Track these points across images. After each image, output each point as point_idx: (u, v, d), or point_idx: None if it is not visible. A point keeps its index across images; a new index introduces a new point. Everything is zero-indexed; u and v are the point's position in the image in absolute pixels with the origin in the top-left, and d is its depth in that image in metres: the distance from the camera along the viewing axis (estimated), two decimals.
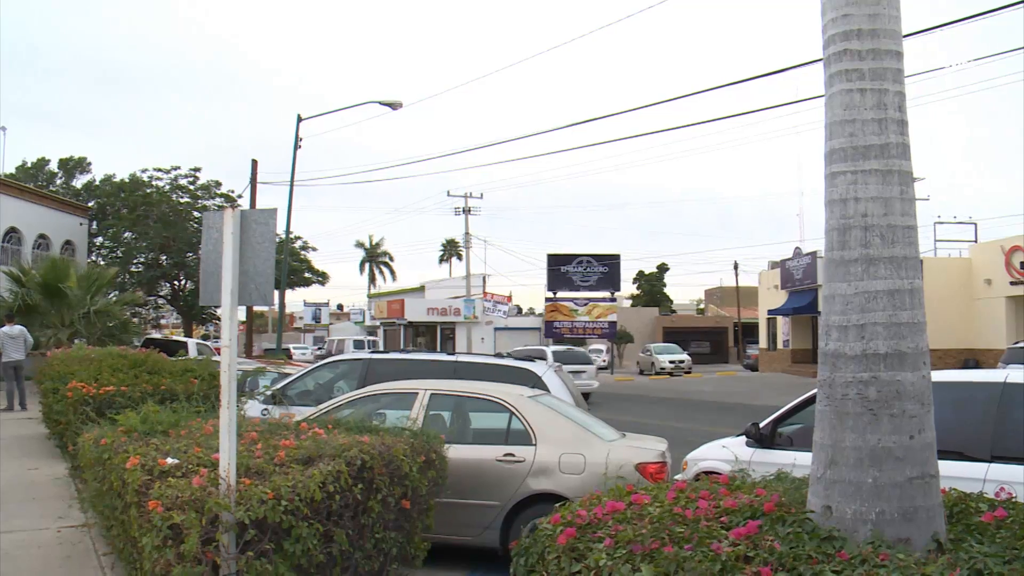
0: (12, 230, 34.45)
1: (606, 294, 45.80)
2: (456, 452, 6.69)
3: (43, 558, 6.31)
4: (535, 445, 6.95)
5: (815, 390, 4.20)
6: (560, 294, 45.26)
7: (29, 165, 49.93)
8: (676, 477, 6.98)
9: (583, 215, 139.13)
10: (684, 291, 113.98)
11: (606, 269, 45.25)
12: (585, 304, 45.13)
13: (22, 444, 12.51)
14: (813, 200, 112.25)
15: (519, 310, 64.79)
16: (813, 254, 37.99)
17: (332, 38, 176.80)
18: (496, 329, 53.68)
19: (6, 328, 18.16)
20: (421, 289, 61.80)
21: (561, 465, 6.80)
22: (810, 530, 3.56)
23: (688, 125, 77.82)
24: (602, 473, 6.06)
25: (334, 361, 11.89)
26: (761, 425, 7.09)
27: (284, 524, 4.31)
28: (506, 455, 6.95)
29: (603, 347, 48.94)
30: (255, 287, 4.65)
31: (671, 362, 44.77)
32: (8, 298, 24.15)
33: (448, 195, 51.52)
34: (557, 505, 4.43)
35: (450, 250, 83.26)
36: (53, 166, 50.51)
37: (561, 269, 44.93)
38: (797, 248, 41.64)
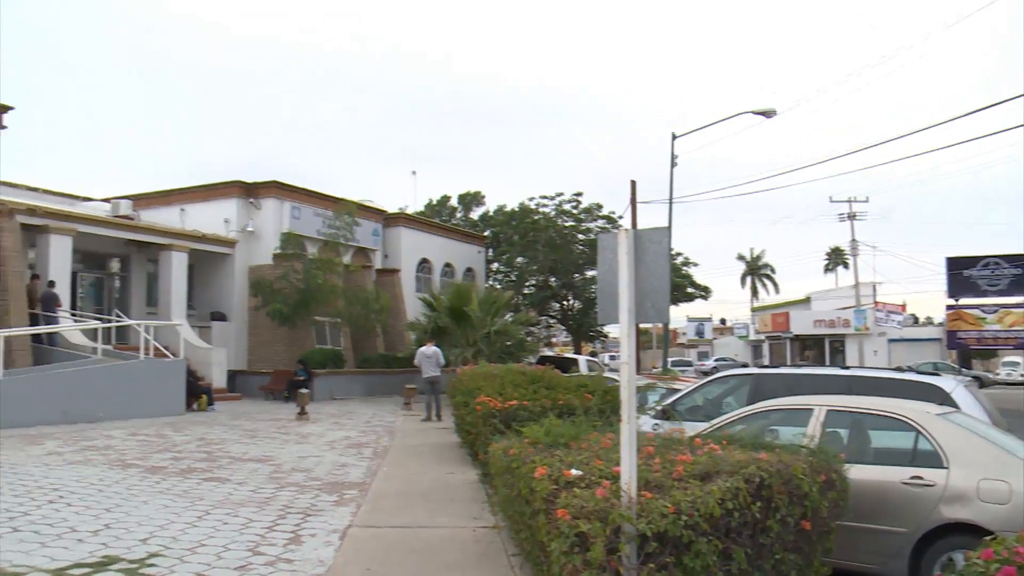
0: (424, 261, 38.60)
1: (1020, 299, 40.59)
2: (856, 472, 6.29)
3: (462, 553, 6.92)
4: (947, 468, 6.28)
5: None
6: (963, 301, 40.83)
7: (435, 202, 55.49)
8: None
9: (984, 212, 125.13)
10: None
11: (1019, 271, 40.15)
12: (995, 311, 40.31)
13: (439, 451, 13.87)
14: None
15: (915, 320, 59.87)
16: None
17: (702, 53, 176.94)
18: (890, 341, 50.09)
19: (424, 348, 20.32)
20: (806, 300, 59.44)
21: (980, 492, 6.02)
22: None
23: None
24: None
25: (722, 376, 11.78)
26: None
27: (684, 538, 4.33)
28: (913, 478, 6.38)
29: (1020, 359, 43.55)
30: (651, 304, 4.76)
31: None
32: (423, 321, 26.98)
33: (831, 201, 49.12)
34: (987, 539, 3.94)
35: (835, 258, 79.11)
36: (454, 201, 55.69)
37: (964, 273, 40.58)
38: None
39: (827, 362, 46.49)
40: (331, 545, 7.03)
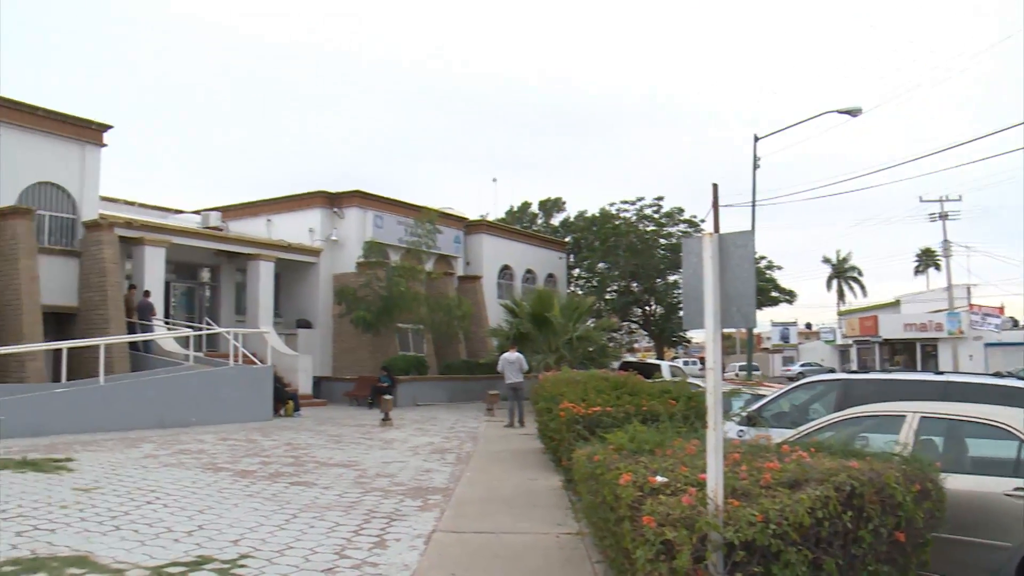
0: (505, 267, 38.76)
1: None
2: (953, 482, 6.04)
3: (545, 559, 6.91)
4: None
5: None
6: None
7: (515, 209, 55.73)
8: None
9: None
10: None
11: None
12: None
13: (522, 457, 13.88)
14: None
15: (1014, 323, 57.55)
16: None
17: (784, 51, 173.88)
18: (987, 345, 48.24)
19: (507, 354, 20.39)
20: (896, 304, 57.74)
21: None
22: None
23: None
24: None
25: (810, 382, 11.51)
26: None
27: (773, 548, 4.24)
28: (1017, 489, 6.09)
29: None
30: (737, 309, 4.68)
31: None
32: (505, 327, 27.08)
33: (920, 201, 47.66)
34: None
35: (926, 260, 76.62)
36: (534, 208, 55.82)
37: None
38: None
39: (919, 367, 45.06)
40: (415, 550, 7.10)
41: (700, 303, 4.75)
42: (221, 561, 6.52)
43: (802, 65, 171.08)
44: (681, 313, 44.99)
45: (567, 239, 47.35)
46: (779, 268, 48.85)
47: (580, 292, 43.92)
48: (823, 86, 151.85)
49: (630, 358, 39.06)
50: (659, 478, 5.01)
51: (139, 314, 22.83)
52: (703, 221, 42.15)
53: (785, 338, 75.89)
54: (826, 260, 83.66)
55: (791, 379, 33.51)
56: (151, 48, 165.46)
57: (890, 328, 50.09)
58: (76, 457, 12.58)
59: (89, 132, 23.13)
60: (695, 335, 54.95)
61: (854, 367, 50.45)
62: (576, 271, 47.79)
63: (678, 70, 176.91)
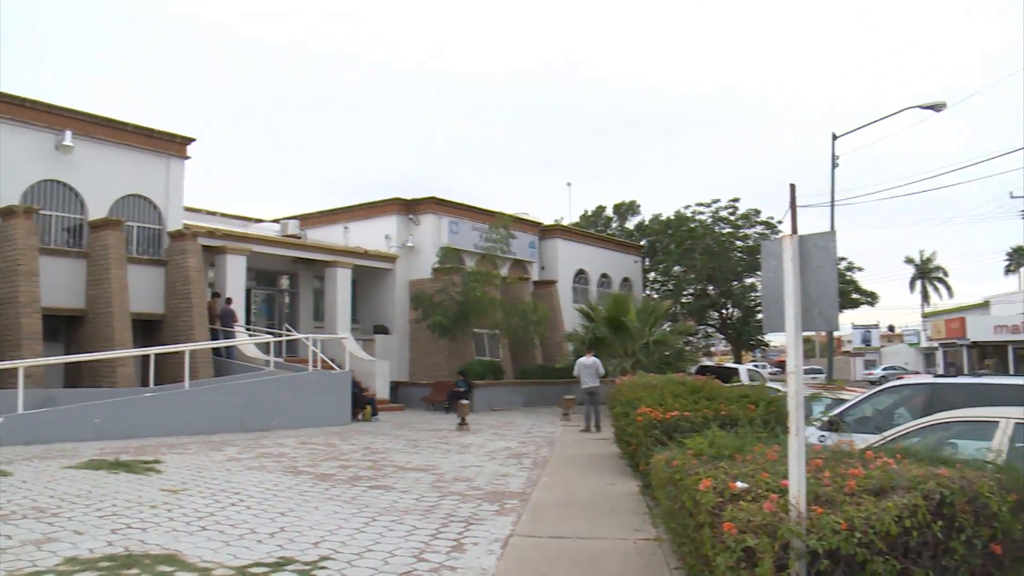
0: (580, 271, 38.70)
1: None
2: None
3: (623, 565, 6.84)
4: None
5: None
6: None
7: (590, 213, 55.53)
8: None
9: None
10: None
11: None
12: None
13: (599, 462, 13.81)
14: None
15: None
16: None
17: (861, 47, 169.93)
18: None
19: (583, 359, 20.33)
20: (985, 305, 55.78)
21: None
22: None
23: None
24: None
25: (895, 386, 11.20)
26: None
27: (858, 557, 4.12)
28: None
29: None
30: (818, 312, 4.58)
31: None
32: (581, 332, 27.00)
33: (1011, 197, 45.97)
34: None
35: (1017, 259, 73.86)
36: (609, 212, 55.52)
37: None
38: None
39: (1011, 371, 43.41)
40: (493, 554, 7.11)
41: (780, 306, 4.66)
42: (302, 563, 6.63)
43: (882, 61, 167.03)
44: (759, 316, 44.44)
45: (642, 242, 47.02)
46: (860, 269, 47.65)
47: (656, 296, 43.55)
48: (904, 81, 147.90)
49: (707, 362, 38.58)
50: (740, 484, 4.93)
51: (222, 321, 23.43)
52: (780, 222, 41.50)
53: (867, 341, 74.05)
54: (909, 260, 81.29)
55: (872, 383, 32.67)
56: (226, 61, 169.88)
57: (979, 330, 48.37)
58: (164, 459, 12.96)
59: (173, 146, 23.90)
60: (773, 338, 53.95)
61: (940, 371, 48.95)
62: (651, 275, 47.40)
63: (754, 69, 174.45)
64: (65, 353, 20.98)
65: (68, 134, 21.21)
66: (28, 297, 19.29)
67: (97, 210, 21.88)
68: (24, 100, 20.86)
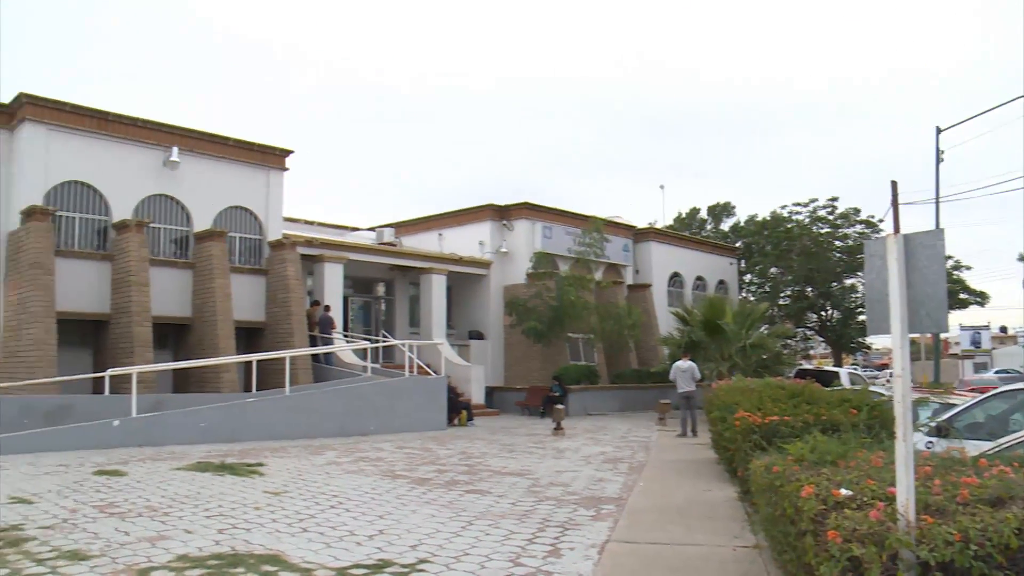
0: (675, 274, 38.32)
1: None
2: None
3: (721, 573, 6.70)
4: None
5: None
6: None
7: (683, 216, 54.89)
8: None
9: None
10: None
11: None
12: None
13: (696, 467, 13.61)
14: None
15: None
16: None
17: (963, 37, 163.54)
18: None
19: (679, 363, 20.10)
20: None
21: None
22: None
23: None
24: None
25: (1009, 390, 10.69)
26: None
27: (975, 571, 3.92)
28: None
29: None
30: (926, 313, 4.41)
31: None
32: (676, 336, 26.71)
33: None
34: None
35: None
36: (703, 214, 54.78)
37: None
38: None
39: None
40: (589, 559, 7.06)
41: (885, 307, 4.51)
42: (401, 565, 6.70)
43: (984, 54, 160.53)
44: (860, 318, 43.18)
45: (738, 244, 46.27)
46: (968, 268, 45.94)
47: (752, 298, 42.79)
48: (1010, 74, 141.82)
49: (806, 365, 37.69)
50: (844, 491, 4.78)
51: (320, 328, 23.98)
52: (882, 221, 40.28)
53: (976, 343, 71.00)
54: (1022, 258, 77.83)
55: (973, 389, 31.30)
56: (322, 73, 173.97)
57: None
58: (266, 462, 13.33)
59: (273, 158, 24.62)
60: (876, 341, 52.37)
61: None
62: (748, 277, 46.61)
63: (853, 64, 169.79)
64: (173, 360, 21.84)
65: (175, 150, 22.15)
66: (140, 306, 20.13)
67: (202, 222, 22.72)
68: (136, 120, 21.85)
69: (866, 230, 42.11)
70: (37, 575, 6.31)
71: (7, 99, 20.52)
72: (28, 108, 20.07)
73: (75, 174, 20.86)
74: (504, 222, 31.42)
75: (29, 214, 19.27)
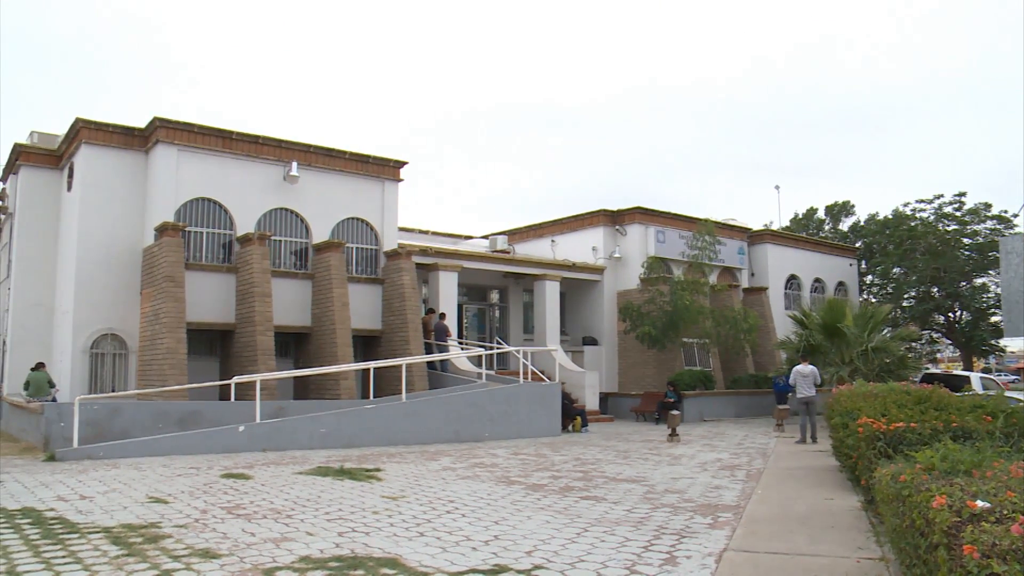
0: (792, 277, 37.36)
1: None
2: None
3: None
4: None
5: None
6: None
7: (800, 216, 53.46)
8: None
9: None
10: None
11: None
12: None
13: (816, 474, 13.19)
14: None
15: None
16: None
17: None
18: None
19: (799, 367, 19.55)
20: None
21: None
22: None
23: None
24: None
25: None
26: None
27: None
28: None
29: None
30: None
31: None
32: (794, 340, 26.02)
33: None
34: None
35: None
36: (820, 214, 53.22)
37: None
38: None
39: None
40: (707, 568, 6.93)
41: (1022, 307, 4.27)
42: (516, 570, 6.72)
43: None
44: (992, 319, 41.17)
45: (857, 244, 44.80)
46: None
47: (874, 300, 41.33)
48: None
49: (933, 369, 36.15)
50: (980, 503, 4.54)
51: (436, 335, 24.35)
52: (1016, 216, 38.34)
53: None
54: None
55: None
56: (434, 82, 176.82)
57: None
58: (383, 468, 13.60)
59: (387, 169, 25.20)
60: (1011, 343, 49.80)
61: None
62: (869, 278, 45.05)
63: (970, 52, 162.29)
64: (294, 367, 22.57)
65: (294, 165, 22.97)
66: (263, 316, 20.89)
67: (320, 233, 23.45)
68: (257, 137, 22.78)
69: (999, 226, 40.19)
70: (174, 570, 6.61)
71: (143, 123, 21.78)
72: (161, 131, 21.27)
73: (202, 191, 21.92)
74: (617, 227, 31.28)
75: (162, 230, 20.35)
